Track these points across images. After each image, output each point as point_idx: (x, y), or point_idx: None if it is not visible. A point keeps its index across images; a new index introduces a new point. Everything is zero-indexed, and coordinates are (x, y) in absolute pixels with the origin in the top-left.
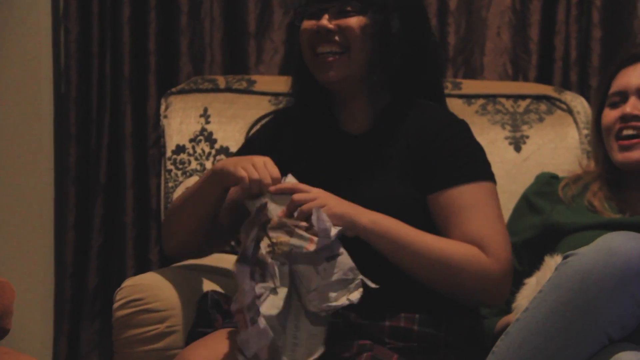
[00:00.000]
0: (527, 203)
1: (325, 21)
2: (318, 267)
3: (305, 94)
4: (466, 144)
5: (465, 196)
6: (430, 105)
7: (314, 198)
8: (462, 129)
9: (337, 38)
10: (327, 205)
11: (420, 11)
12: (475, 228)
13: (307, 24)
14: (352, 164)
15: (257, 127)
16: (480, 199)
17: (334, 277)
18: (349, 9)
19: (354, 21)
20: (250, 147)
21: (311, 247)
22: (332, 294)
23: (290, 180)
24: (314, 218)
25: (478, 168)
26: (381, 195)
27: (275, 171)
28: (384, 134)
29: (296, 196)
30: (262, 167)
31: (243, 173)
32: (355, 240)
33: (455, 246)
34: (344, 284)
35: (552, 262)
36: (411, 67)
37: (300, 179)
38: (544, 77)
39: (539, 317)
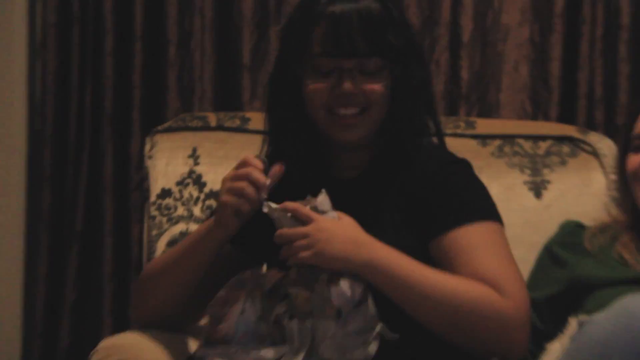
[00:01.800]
0: (550, 255)
1: (348, 86)
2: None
3: (295, 141)
4: (467, 182)
5: (471, 236)
6: (428, 145)
7: (301, 246)
8: (463, 167)
9: (358, 100)
10: (315, 250)
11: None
12: (485, 267)
13: (321, 85)
14: (346, 212)
15: None
16: (488, 239)
17: (353, 326)
18: (370, 67)
19: (375, 83)
20: None
21: (331, 312)
22: (349, 345)
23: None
24: (333, 292)
25: (482, 207)
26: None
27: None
28: (376, 179)
29: (281, 239)
30: (243, 190)
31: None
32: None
33: (466, 284)
34: (362, 334)
35: (574, 324)
36: (420, 105)
37: None
38: (566, 116)
39: None
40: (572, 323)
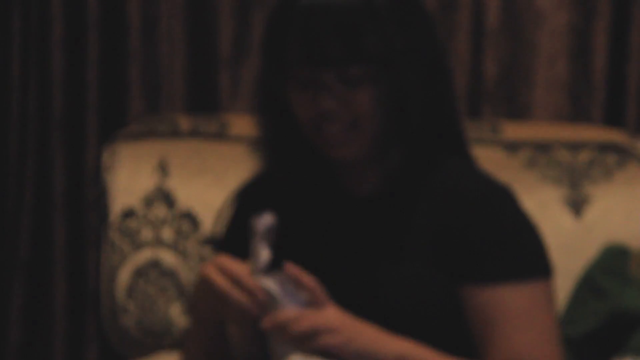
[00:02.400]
0: (590, 284)
1: (327, 102)
2: None
3: (293, 156)
4: (518, 224)
5: (513, 300)
6: (459, 164)
7: (324, 329)
8: (508, 201)
9: (342, 116)
10: (343, 337)
11: (430, 30)
12: (523, 344)
13: (303, 99)
14: (360, 236)
15: (230, 218)
16: (537, 305)
17: None
18: (352, 73)
19: (361, 95)
20: (227, 252)
21: None
22: None
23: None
24: None
25: (532, 260)
26: (401, 281)
27: (233, 270)
28: (399, 197)
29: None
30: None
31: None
32: None
33: None
34: None
35: None
36: (430, 114)
37: (297, 264)
38: (612, 119)
39: None
40: None
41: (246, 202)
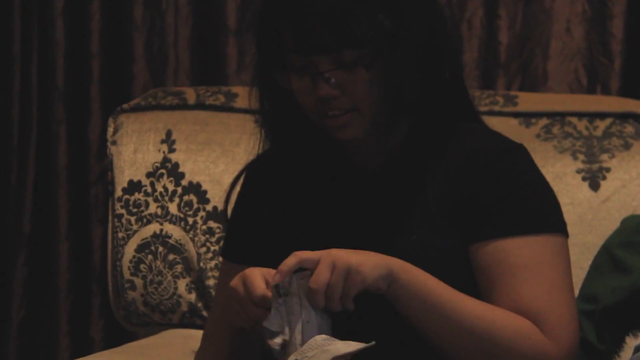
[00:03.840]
0: (610, 258)
1: (325, 90)
2: None
3: (300, 134)
4: (531, 180)
5: (524, 252)
6: (472, 126)
7: (337, 283)
8: (524, 157)
9: (341, 102)
10: (352, 274)
11: (425, 7)
12: (531, 296)
13: (300, 83)
14: (371, 209)
15: (238, 196)
16: (545, 258)
17: None
18: (345, 59)
19: (357, 79)
20: (238, 231)
21: None
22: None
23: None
24: None
25: (547, 214)
26: (415, 249)
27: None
28: (411, 167)
29: (315, 283)
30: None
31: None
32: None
33: (505, 317)
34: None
35: (632, 345)
36: (431, 89)
37: (308, 241)
38: (631, 89)
39: None
40: (630, 344)
41: (255, 178)
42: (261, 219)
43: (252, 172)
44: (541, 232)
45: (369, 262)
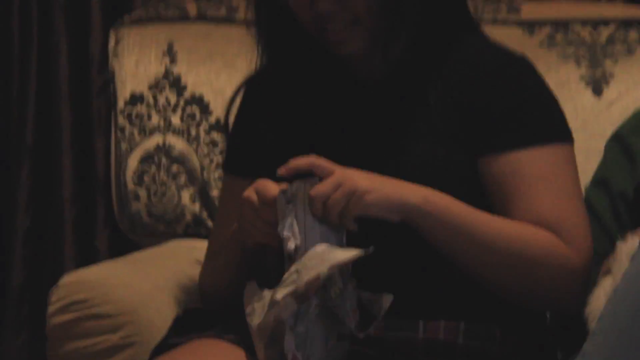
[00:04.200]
0: (621, 145)
1: (324, 5)
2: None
3: (298, 48)
4: (537, 91)
5: (536, 163)
6: (473, 37)
7: (340, 199)
8: (528, 69)
9: (342, 16)
10: (358, 195)
11: None
12: (548, 207)
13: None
14: (375, 121)
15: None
16: (556, 168)
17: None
18: None
19: None
20: (239, 145)
21: (351, 322)
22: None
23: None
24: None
25: (553, 124)
26: (419, 160)
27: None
28: (413, 78)
29: (315, 191)
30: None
31: (252, 238)
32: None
33: (532, 232)
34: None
35: (624, 250)
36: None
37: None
38: None
39: (620, 327)
40: (620, 248)
41: (256, 91)
42: (262, 132)
43: (252, 85)
44: (552, 142)
45: (379, 192)
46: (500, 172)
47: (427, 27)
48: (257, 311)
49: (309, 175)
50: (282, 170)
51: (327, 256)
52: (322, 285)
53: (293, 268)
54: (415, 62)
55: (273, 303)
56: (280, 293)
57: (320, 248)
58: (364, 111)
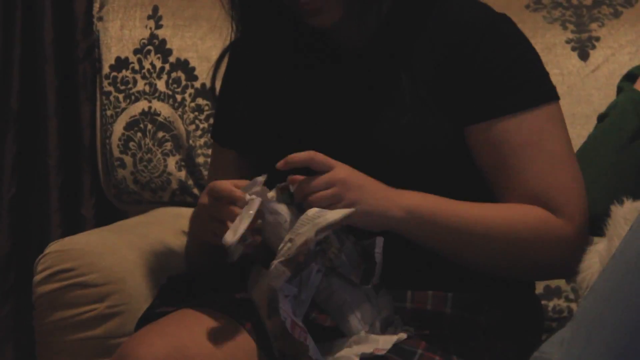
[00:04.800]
0: (632, 102)
1: None
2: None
3: (271, 18)
4: (520, 51)
5: (523, 130)
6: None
7: (326, 196)
8: (510, 28)
9: None
10: (347, 203)
11: None
12: (537, 177)
13: None
14: (359, 89)
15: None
16: (544, 132)
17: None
18: None
19: None
20: (225, 114)
21: (355, 277)
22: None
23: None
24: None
25: (538, 85)
26: (403, 128)
27: (232, 194)
28: (395, 45)
29: (305, 187)
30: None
31: (216, 235)
32: None
33: (520, 214)
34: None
35: (620, 213)
36: None
37: (293, 126)
38: None
39: (608, 289)
40: (615, 212)
41: (240, 58)
42: (245, 103)
43: (235, 52)
44: (539, 104)
45: (363, 207)
46: (488, 141)
47: None
48: (255, 283)
49: (307, 170)
50: (280, 164)
51: (317, 220)
52: (320, 250)
53: (287, 237)
54: (395, 28)
55: (265, 273)
56: (273, 263)
57: (312, 212)
58: (347, 81)
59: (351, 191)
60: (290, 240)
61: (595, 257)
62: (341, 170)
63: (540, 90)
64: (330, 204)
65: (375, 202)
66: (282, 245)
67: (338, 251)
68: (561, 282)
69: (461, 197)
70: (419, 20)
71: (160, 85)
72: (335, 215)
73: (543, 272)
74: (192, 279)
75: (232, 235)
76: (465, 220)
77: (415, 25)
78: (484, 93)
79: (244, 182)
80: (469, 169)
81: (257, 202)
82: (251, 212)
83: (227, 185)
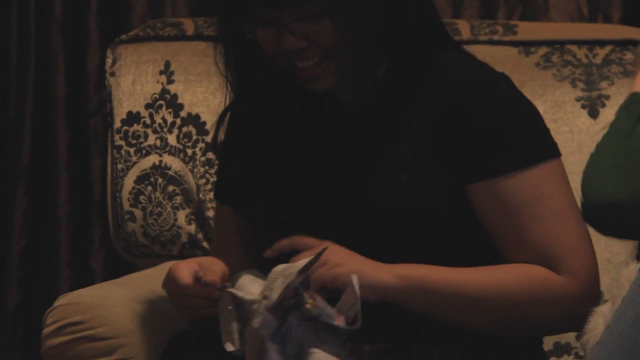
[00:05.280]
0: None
1: (291, 41)
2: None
3: (267, 80)
4: (519, 109)
5: (524, 189)
6: (453, 56)
7: (324, 262)
8: (507, 87)
9: (311, 51)
10: (341, 266)
11: None
12: (539, 236)
13: (265, 34)
14: (355, 146)
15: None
16: (546, 190)
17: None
18: (308, 10)
19: (323, 29)
20: (225, 173)
21: (340, 322)
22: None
23: (245, 279)
24: (350, 289)
25: (538, 143)
26: (403, 185)
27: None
28: (392, 102)
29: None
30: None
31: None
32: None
33: (517, 275)
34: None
35: (624, 275)
36: (400, 23)
37: (289, 184)
38: (632, 18)
39: (617, 338)
40: (621, 274)
41: (240, 118)
42: (244, 161)
43: (236, 111)
44: (540, 161)
45: (355, 269)
46: (489, 200)
47: (402, 52)
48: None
49: (295, 253)
50: (268, 254)
51: (287, 271)
52: (295, 303)
53: (261, 296)
54: (392, 86)
55: (253, 330)
56: (256, 320)
57: (278, 268)
58: (344, 138)
59: (337, 256)
60: (265, 297)
61: (600, 319)
62: (335, 249)
63: (540, 148)
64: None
65: (364, 267)
66: (257, 306)
67: (313, 300)
68: (571, 339)
69: (463, 254)
70: (417, 78)
71: (171, 139)
72: (305, 260)
73: (545, 330)
74: (200, 334)
75: (231, 344)
76: (457, 282)
77: (413, 83)
78: (483, 152)
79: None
80: (470, 226)
81: (229, 295)
82: (229, 307)
83: (184, 279)
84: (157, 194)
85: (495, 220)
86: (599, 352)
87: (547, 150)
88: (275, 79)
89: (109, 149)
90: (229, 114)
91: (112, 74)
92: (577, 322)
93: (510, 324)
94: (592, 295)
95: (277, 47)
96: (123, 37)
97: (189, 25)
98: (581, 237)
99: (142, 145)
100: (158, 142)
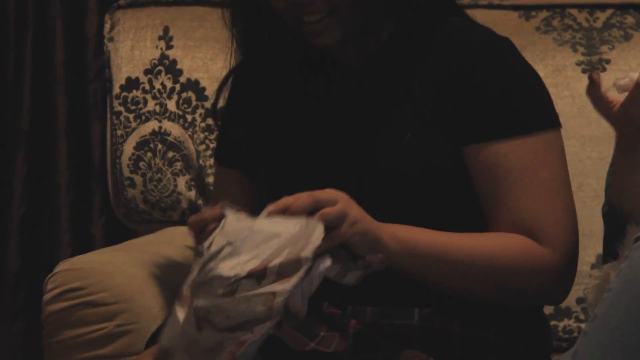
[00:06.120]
0: None
1: None
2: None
3: (274, 39)
4: (521, 75)
5: (518, 156)
6: (457, 21)
7: (343, 215)
8: (510, 52)
9: (317, 6)
10: (349, 216)
11: None
12: (528, 204)
13: None
14: (359, 108)
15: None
16: (538, 160)
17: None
18: None
19: None
20: (227, 136)
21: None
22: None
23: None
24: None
25: (537, 111)
26: (404, 147)
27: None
28: (395, 65)
29: (309, 198)
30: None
31: None
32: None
33: (502, 242)
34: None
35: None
36: None
37: (294, 145)
38: None
39: (611, 327)
40: (630, 230)
41: (242, 80)
42: (247, 124)
43: (239, 74)
44: (538, 130)
45: (361, 230)
46: (483, 163)
47: (407, 15)
48: None
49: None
50: (272, 208)
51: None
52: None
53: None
54: (395, 50)
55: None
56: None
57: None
58: (347, 100)
59: (355, 209)
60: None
61: (596, 287)
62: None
63: (538, 117)
64: (336, 219)
65: (371, 224)
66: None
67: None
68: (571, 303)
69: (458, 220)
70: (421, 42)
71: (171, 105)
72: (318, 235)
73: (528, 299)
74: None
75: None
76: (445, 246)
77: (417, 47)
78: (482, 115)
79: None
80: (468, 193)
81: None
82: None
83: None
84: (157, 160)
85: (486, 184)
86: (591, 350)
87: (546, 120)
88: (280, 39)
89: (108, 115)
90: (231, 78)
91: (111, 40)
92: (555, 294)
93: (497, 289)
94: (571, 271)
95: (285, 2)
96: (121, 2)
97: None
98: (567, 210)
99: (141, 111)
100: (157, 108)
